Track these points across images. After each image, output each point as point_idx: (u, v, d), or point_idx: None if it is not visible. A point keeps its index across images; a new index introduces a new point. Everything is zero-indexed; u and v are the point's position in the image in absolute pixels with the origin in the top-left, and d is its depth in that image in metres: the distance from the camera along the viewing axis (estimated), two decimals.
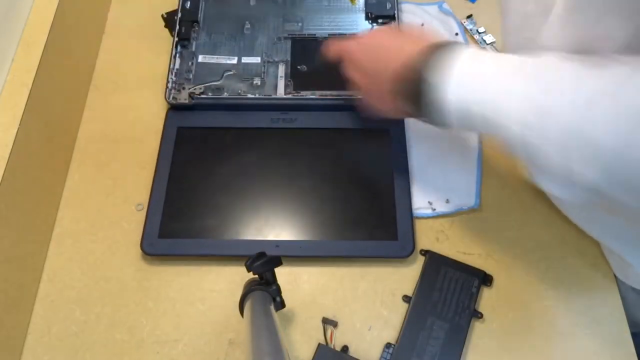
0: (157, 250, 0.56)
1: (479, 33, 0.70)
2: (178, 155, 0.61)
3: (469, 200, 0.59)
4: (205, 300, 0.55)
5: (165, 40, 0.69)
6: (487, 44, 0.69)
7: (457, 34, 0.70)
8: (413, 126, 0.63)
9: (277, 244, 0.56)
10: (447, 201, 0.59)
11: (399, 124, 0.62)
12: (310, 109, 0.63)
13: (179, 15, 0.69)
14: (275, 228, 0.57)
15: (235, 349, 0.52)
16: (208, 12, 0.70)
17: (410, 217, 0.57)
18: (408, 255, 0.55)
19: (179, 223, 0.57)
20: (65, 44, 0.62)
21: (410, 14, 0.71)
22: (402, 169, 0.59)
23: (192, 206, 0.58)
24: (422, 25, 0.71)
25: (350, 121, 0.63)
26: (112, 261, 0.57)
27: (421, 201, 0.59)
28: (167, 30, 0.71)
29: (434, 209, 0.58)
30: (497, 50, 0.69)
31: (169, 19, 0.71)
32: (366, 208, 0.58)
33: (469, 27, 0.71)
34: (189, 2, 0.70)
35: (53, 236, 0.58)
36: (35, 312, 0.54)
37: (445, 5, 0.72)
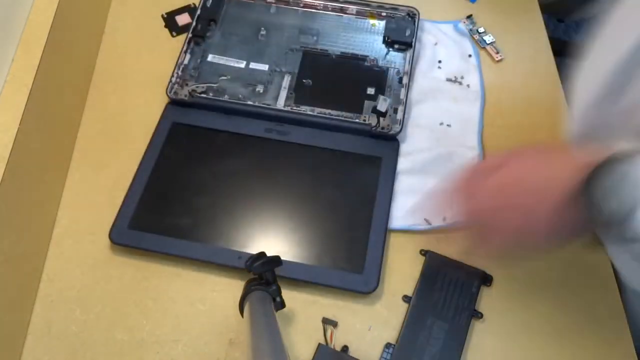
0: (124, 241, 0.56)
1: (479, 33, 0.70)
2: (167, 149, 0.60)
3: None
4: (205, 300, 0.55)
5: (165, 40, 0.69)
6: (487, 44, 0.69)
7: (470, 55, 0.69)
8: (407, 151, 0.62)
9: (240, 255, 0.54)
10: (444, 219, 0.57)
11: (392, 153, 0.60)
12: (306, 125, 0.62)
13: (198, 12, 0.69)
14: (244, 239, 0.55)
15: (235, 349, 0.52)
16: (228, 13, 0.70)
17: (381, 253, 0.55)
18: (370, 292, 0.53)
19: (151, 217, 0.56)
20: (65, 44, 0.62)
21: (424, 32, 0.70)
22: (385, 199, 0.57)
23: (167, 203, 0.58)
24: (436, 44, 0.69)
25: (344, 144, 0.61)
26: (112, 261, 0.57)
27: (417, 218, 0.57)
28: (167, 30, 0.71)
29: (430, 224, 0.57)
30: (496, 50, 0.69)
31: (169, 19, 0.71)
32: (338, 235, 0.56)
33: (469, 27, 0.70)
34: (210, 1, 0.69)
35: (53, 236, 0.58)
36: (35, 312, 0.54)
37: (460, 25, 0.70)
